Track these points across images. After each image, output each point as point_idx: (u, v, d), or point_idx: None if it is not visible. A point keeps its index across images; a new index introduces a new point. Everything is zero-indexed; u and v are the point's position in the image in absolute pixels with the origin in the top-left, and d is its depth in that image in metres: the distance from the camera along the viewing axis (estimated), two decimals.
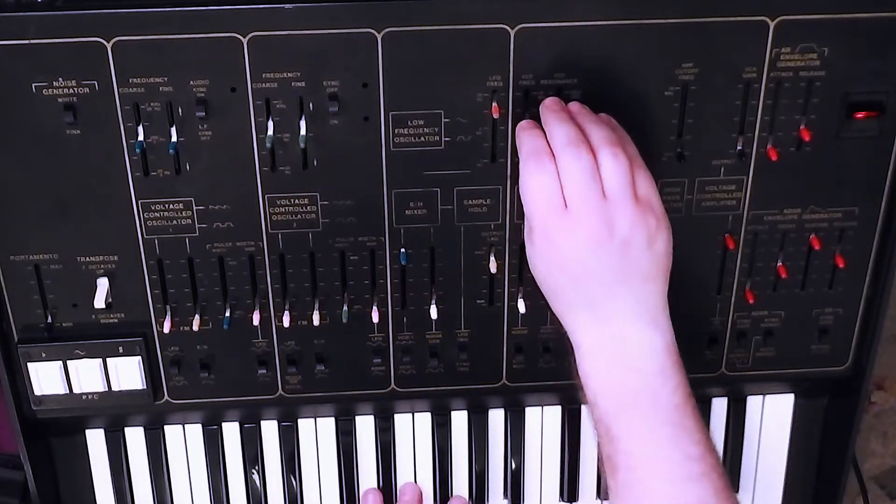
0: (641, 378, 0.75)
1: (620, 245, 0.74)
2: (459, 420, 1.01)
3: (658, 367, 0.75)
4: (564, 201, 0.75)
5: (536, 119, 0.80)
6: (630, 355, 0.76)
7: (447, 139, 0.84)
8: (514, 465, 1.02)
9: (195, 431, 0.99)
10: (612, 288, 0.75)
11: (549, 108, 0.79)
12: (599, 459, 0.79)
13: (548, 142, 0.77)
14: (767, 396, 1.02)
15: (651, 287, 0.76)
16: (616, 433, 0.75)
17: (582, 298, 0.77)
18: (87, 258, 0.86)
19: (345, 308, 0.90)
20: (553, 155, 0.76)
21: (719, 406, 1.02)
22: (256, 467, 1.00)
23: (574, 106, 0.80)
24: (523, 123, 0.80)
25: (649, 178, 0.76)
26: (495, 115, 0.82)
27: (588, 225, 0.74)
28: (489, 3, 0.79)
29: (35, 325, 0.89)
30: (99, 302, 0.87)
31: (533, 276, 0.80)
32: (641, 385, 0.75)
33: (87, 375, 0.90)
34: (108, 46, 0.78)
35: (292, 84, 0.80)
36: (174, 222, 0.85)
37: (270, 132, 0.82)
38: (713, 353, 0.95)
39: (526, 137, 0.78)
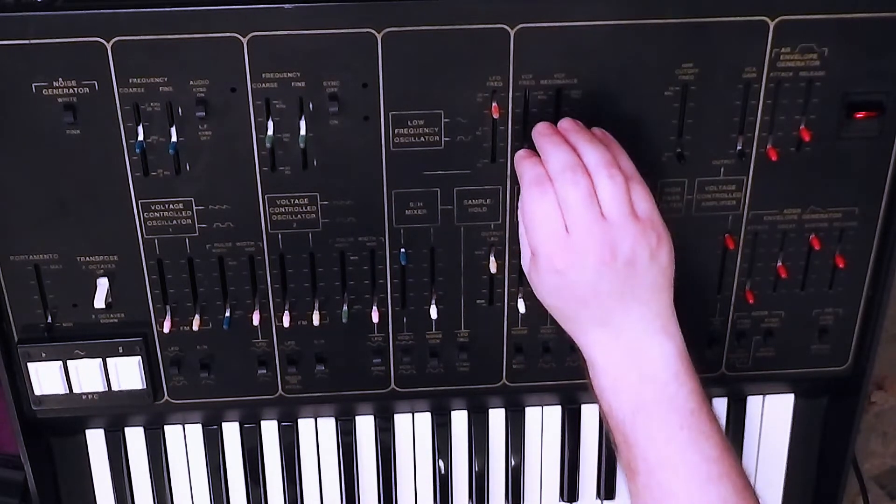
0: (656, 386, 0.76)
1: (625, 265, 0.75)
2: (459, 420, 1.01)
3: (672, 374, 0.77)
4: (566, 226, 0.75)
5: (532, 148, 0.80)
6: (644, 365, 0.77)
7: (447, 139, 0.84)
8: (514, 465, 1.02)
9: (195, 431, 0.99)
10: (621, 303, 0.76)
11: (540, 133, 0.79)
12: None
13: (545, 168, 0.77)
14: (767, 396, 1.02)
15: (659, 298, 0.77)
16: (634, 440, 0.76)
17: (592, 317, 0.78)
18: (87, 258, 0.86)
19: (345, 308, 0.90)
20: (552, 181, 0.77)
21: (719, 406, 1.02)
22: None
23: (565, 123, 0.80)
24: (520, 153, 0.81)
25: (647, 192, 0.77)
26: (495, 115, 0.82)
27: (591, 250, 0.75)
28: (489, 3, 0.79)
29: (35, 325, 0.89)
30: (99, 302, 0.87)
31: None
32: (657, 392, 0.76)
33: (87, 375, 0.90)
34: (108, 46, 0.78)
35: (292, 84, 0.80)
36: (174, 222, 0.85)
37: (270, 132, 0.82)
38: (713, 353, 0.95)
39: (524, 166, 0.79)
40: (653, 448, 0.76)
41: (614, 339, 0.77)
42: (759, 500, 0.76)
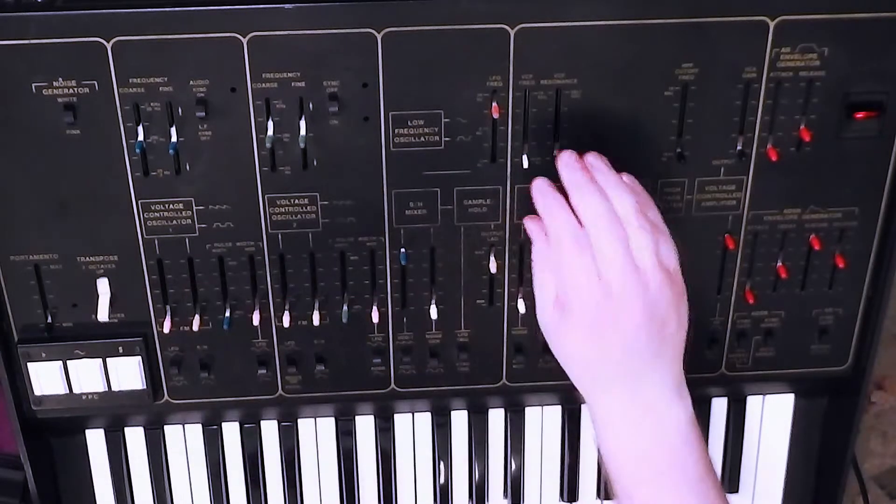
0: (670, 449, 0.76)
1: (659, 326, 0.75)
2: (459, 420, 1.01)
3: (684, 439, 0.76)
4: (598, 275, 0.74)
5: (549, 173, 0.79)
6: (660, 426, 0.76)
7: (447, 139, 0.84)
8: (514, 466, 1.02)
9: (195, 431, 0.99)
10: (648, 363, 0.76)
11: (568, 165, 0.77)
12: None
13: (572, 209, 0.76)
14: (767, 396, 1.02)
15: (678, 360, 0.77)
16: (641, 501, 0.76)
17: (614, 374, 0.76)
18: (87, 258, 0.86)
19: (345, 308, 0.90)
20: (582, 228, 0.75)
21: (719, 406, 1.02)
22: None
23: (593, 159, 0.78)
24: (540, 185, 0.78)
25: (672, 245, 0.77)
26: (495, 115, 0.82)
27: (633, 310, 0.74)
28: (489, 3, 0.79)
29: (35, 325, 0.89)
30: (102, 314, 0.87)
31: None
32: (669, 455, 0.76)
33: (87, 375, 0.90)
34: (108, 46, 0.78)
35: (292, 84, 0.80)
36: (174, 222, 0.85)
37: (270, 132, 0.82)
38: (713, 353, 0.96)
39: (552, 209, 0.77)
40: None
41: (632, 399, 0.76)
42: None
